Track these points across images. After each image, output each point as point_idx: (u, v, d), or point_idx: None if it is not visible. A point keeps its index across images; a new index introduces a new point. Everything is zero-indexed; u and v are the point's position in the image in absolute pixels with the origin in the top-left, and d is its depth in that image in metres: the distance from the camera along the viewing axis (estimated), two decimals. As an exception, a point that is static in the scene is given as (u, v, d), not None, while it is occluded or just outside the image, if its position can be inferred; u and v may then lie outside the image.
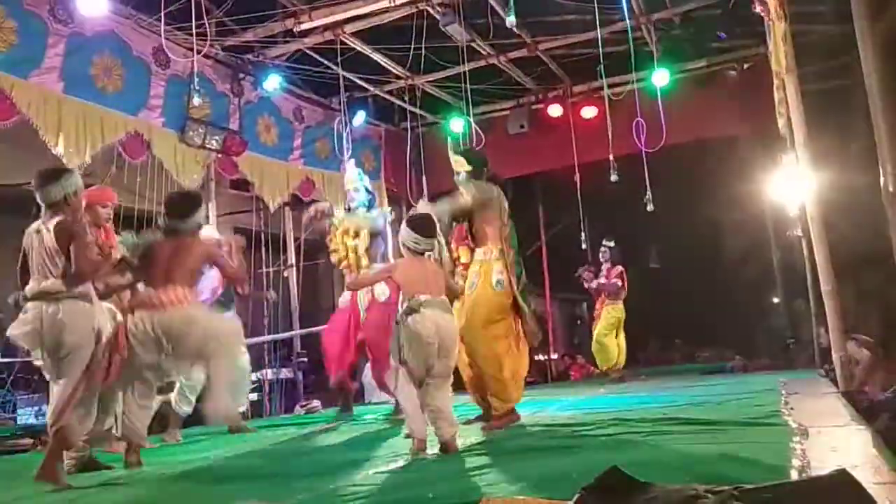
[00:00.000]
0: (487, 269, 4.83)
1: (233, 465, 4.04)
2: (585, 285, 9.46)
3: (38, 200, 3.77)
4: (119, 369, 3.78)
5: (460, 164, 5.11)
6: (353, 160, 7.26)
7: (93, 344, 3.70)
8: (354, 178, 6.40)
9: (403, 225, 4.15)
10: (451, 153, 5.25)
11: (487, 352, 4.73)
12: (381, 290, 5.97)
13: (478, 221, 4.97)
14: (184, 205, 4.11)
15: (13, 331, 3.76)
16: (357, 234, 6.08)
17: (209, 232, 6.02)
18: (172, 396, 5.59)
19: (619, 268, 9.27)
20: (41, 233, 3.71)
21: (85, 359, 3.66)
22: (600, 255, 9.40)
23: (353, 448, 4.35)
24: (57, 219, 3.68)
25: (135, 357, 3.78)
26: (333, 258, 6.25)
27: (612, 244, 9.34)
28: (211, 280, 5.70)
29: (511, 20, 5.50)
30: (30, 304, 3.68)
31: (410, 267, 4.08)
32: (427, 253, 4.10)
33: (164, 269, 3.87)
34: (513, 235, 5.06)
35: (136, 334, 3.75)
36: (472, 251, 5.03)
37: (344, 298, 6.48)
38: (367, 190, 6.36)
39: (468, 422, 4.96)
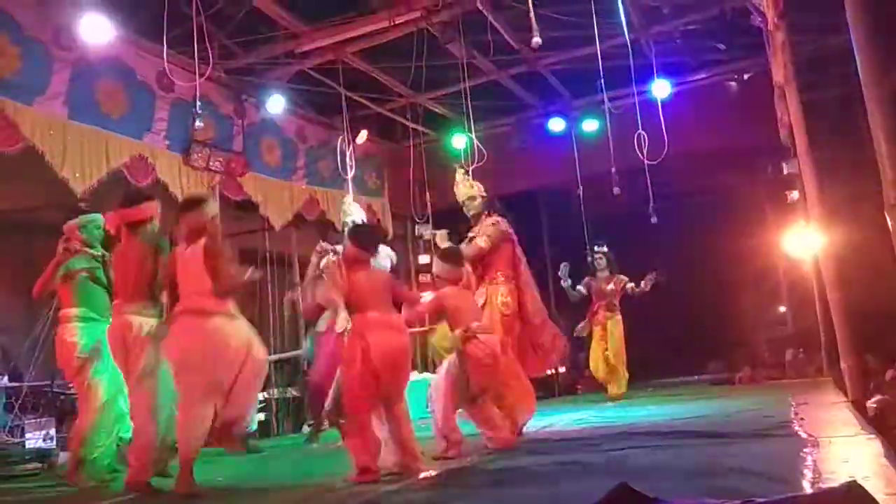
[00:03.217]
0: (494, 291, 5.16)
1: (243, 485, 4.03)
2: (564, 283, 8.68)
3: (181, 224, 3.98)
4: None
5: (479, 190, 5.46)
6: (350, 196, 7.30)
7: (244, 356, 3.82)
8: (352, 211, 6.48)
9: (436, 259, 4.75)
10: (462, 179, 5.58)
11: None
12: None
13: (489, 253, 5.23)
14: (373, 239, 4.28)
15: (167, 349, 3.89)
16: None
17: None
18: None
19: (625, 278, 8.93)
20: (186, 255, 3.89)
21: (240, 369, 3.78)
22: (595, 262, 9.03)
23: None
24: (203, 241, 3.89)
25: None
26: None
27: (605, 250, 9.02)
28: None
29: (537, 41, 5.57)
30: (179, 321, 3.82)
31: (457, 297, 4.57)
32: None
33: (378, 297, 3.96)
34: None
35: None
36: (481, 278, 5.32)
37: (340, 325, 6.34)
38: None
39: None
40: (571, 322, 9.12)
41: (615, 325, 8.75)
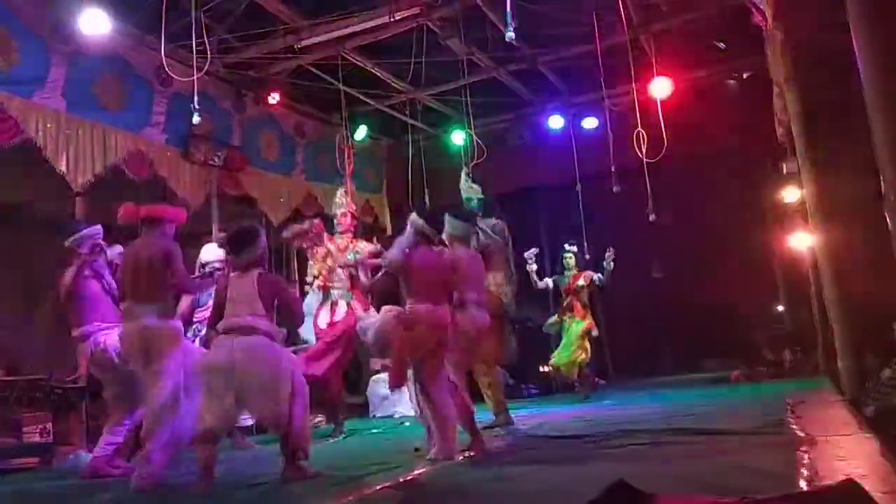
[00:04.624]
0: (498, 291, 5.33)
1: (236, 482, 4.02)
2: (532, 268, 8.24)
3: (234, 258, 4.05)
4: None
5: (475, 192, 5.54)
6: (342, 189, 7.34)
7: (283, 379, 3.82)
8: (343, 203, 6.61)
9: (448, 218, 4.78)
10: (464, 180, 5.71)
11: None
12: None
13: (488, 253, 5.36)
14: (434, 223, 4.46)
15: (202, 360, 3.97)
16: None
17: (212, 250, 6.02)
18: None
19: (591, 273, 8.77)
20: (239, 279, 3.96)
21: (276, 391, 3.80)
22: (564, 261, 8.81)
23: (358, 463, 4.33)
24: (257, 271, 3.97)
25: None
26: (314, 271, 6.39)
27: (574, 249, 8.86)
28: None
29: (510, 35, 5.57)
30: (223, 337, 3.86)
31: (469, 264, 4.68)
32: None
33: (427, 287, 4.18)
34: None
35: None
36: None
37: (322, 320, 6.40)
38: (352, 216, 6.60)
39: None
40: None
41: (581, 323, 8.65)
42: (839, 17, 3.77)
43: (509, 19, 5.43)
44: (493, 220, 5.71)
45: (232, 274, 4.06)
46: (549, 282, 8.72)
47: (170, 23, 6.12)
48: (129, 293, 4.30)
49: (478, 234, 4.98)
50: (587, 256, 9.30)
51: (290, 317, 4.09)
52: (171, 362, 4.13)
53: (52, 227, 5.31)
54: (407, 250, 4.30)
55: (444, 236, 4.82)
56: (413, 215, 4.45)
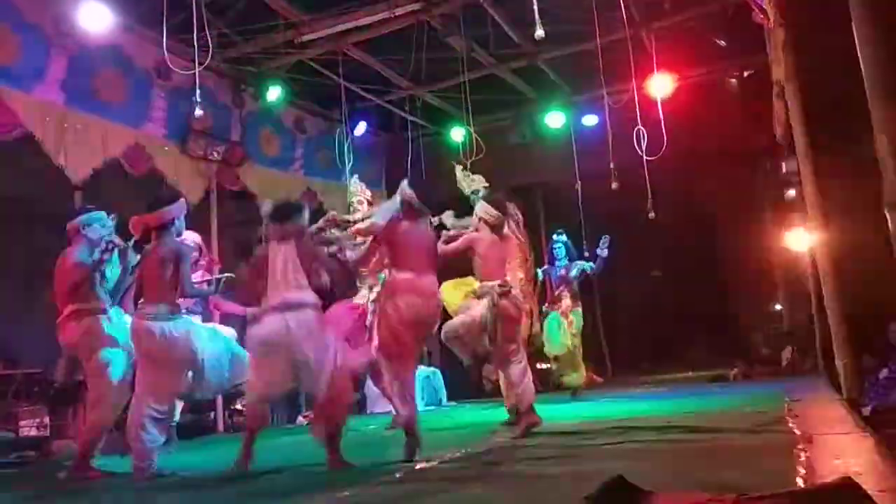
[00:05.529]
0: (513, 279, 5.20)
1: (236, 475, 4.02)
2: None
3: (274, 230, 4.11)
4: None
5: (478, 182, 5.57)
6: (356, 176, 7.32)
7: (329, 351, 3.94)
8: (358, 191, 6.61)
9: (482, 203, 4.87)
10: (463, 175, 5.74)
11: None
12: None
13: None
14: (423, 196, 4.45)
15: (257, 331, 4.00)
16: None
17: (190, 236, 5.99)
18: None
19: (582, 263, 8.53)
20: (279, 253, 4.02)
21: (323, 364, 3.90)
22: (554, 251, 8.62)
23: (355, 459, 4.34)
24: (297, 242, 4.05)
25: None
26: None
27: (564, 238, 8.64)
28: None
29: (540, 34, 5.60)
30: (274, 313, 3.93)
31: (490, 246, 4.71)
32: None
33: (411, 258, 4.16)
34: None
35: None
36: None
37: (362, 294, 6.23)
38: (369, 203, 6.60)
39: None
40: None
41: (577, 317, 8.57)
42: (841, 17, 3.77)
43: (538, 17, 5.45)
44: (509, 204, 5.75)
45: (271, 242, 4.08)
46: (539, 272, 8.60)
47: (170, 17, 6.11)
48: (143, 293, 4.42)
49: (508, 222, 5.01)
50: (586, 253, 9.27)
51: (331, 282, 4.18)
52: (169, 359, 4.21)
53: (51, 221, 5.28)
54: (393, 218, 4.23)
55: (474, 219, 4.90)
56: (403, 184, 4.38)
